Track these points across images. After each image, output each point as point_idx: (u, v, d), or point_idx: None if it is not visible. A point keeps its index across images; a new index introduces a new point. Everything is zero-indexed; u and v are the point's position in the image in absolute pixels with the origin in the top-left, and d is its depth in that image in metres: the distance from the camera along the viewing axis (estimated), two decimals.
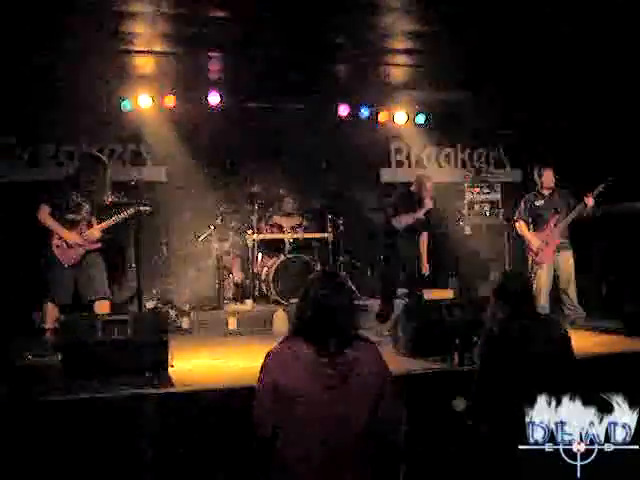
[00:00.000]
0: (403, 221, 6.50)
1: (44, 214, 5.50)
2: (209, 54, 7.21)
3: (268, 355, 2.75)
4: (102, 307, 5.54)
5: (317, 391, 2.60)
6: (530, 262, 6.74)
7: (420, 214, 6.52)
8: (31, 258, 6.04)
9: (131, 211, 5.70)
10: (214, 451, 3.85)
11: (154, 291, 7.75)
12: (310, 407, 2.59)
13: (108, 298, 5.68)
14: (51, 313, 5.51)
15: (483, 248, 8.77)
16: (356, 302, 2.96)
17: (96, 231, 5.62)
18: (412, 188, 6.70)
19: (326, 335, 2.68)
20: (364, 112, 8.87)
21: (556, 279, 6.66)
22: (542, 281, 6.57)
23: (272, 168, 8.48)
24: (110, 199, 5.73)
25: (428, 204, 6.51)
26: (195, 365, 5.12)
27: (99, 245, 5.64)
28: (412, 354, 5.13)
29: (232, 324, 7.02)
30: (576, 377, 3.16)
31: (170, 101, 8.02)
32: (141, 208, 5.76)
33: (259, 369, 2.75)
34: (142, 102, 7.93)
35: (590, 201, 6.48)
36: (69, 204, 5.59)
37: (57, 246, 5.51)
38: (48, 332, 5.46)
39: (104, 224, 5.65)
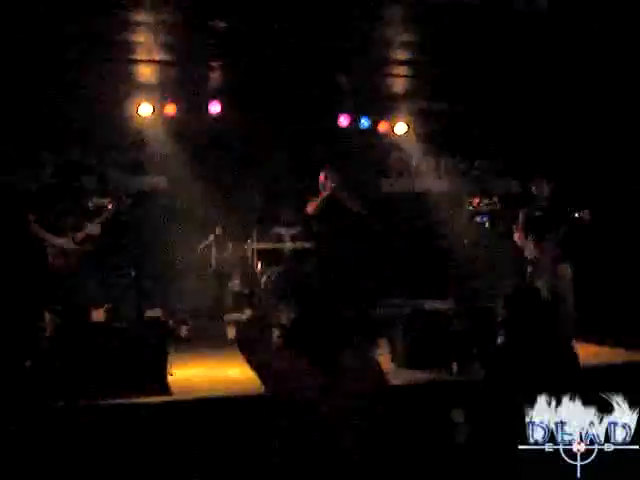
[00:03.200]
0: (309, 209, 6.51)
1: (30, 223, 5.49)
2: (210, 63, 7.24)
3: (264, 363, 2.75)
4: (98, 315, 5.55)
5: (312, 400, 2.60)
6: (528, 273, 6.73)
7: (316, 203, 6.43)
8: (30, 265, 6.03)
9: (112, 207, 5.69)
10: (213, 459, 3.84)
11: (153, 299, 7.73)
12: (305, 415, 2.58)
13: (105, 306, 5.69)
14: (50, 321, 5.51)
15: (482, 258, 8.76)
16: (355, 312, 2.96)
17: (85, 232, 5.60)
18: None
19: (324, 344, 2.68)
20: (364, 122, 8.89)
21: (554, 290, 6.64)
22: None
23: (272, 177, 8.49)
24: (94, 202, 5.72)
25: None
26: (194, 374, 5.11)
27: (90, 247, 5.63)
28: (410, 365, 5.11)
29: (231, 333, 7.01)
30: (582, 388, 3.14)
31: (171, 110, 8.04)
32: (122, 199, 5.78)
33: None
34: (143, 110, 7.95)
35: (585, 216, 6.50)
36: (55, 211, 5.59)
37: (52, 254, 5.51)
38: (47, 339, 5.45)
39: (92, 225, 5.64)
